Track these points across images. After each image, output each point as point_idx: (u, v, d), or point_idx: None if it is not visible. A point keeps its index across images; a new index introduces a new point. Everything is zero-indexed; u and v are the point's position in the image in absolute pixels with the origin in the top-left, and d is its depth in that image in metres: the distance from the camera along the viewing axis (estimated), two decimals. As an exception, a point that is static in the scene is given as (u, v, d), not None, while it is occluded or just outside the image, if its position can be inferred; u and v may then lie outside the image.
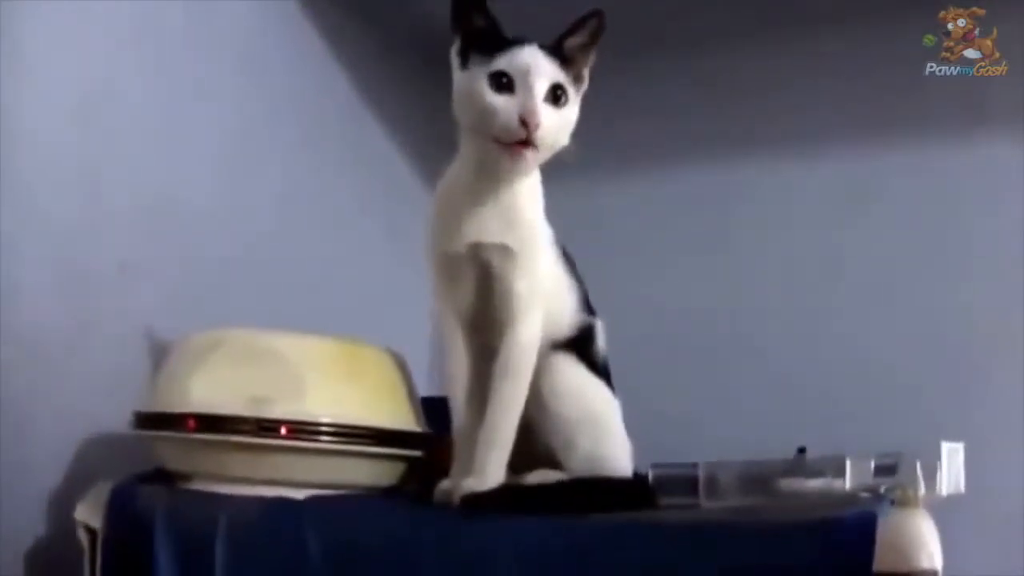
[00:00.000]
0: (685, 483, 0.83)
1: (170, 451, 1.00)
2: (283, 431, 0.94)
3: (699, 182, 1.58)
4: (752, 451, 0.83)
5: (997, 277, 1.37)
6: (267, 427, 0.94)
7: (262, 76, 1.40)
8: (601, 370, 1.01)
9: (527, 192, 0.94)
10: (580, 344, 1.00)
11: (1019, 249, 1.37)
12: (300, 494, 0.93)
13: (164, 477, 1.01)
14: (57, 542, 1.05)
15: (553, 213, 0.98)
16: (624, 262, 1.54)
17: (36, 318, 1.07)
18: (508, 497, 0.88)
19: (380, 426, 0.99)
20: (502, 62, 0.88)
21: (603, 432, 0.98)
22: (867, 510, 0.69)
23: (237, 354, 0.98)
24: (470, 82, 0.89)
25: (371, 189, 1.61)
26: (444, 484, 0.93)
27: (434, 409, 1.06)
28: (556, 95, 0.89)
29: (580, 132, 0.93)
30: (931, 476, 0.76)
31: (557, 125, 0.89)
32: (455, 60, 0.93)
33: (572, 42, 0.92)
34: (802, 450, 0.88)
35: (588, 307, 1.02)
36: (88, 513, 0.97)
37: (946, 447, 0.77)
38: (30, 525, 1.06)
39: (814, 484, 0.79)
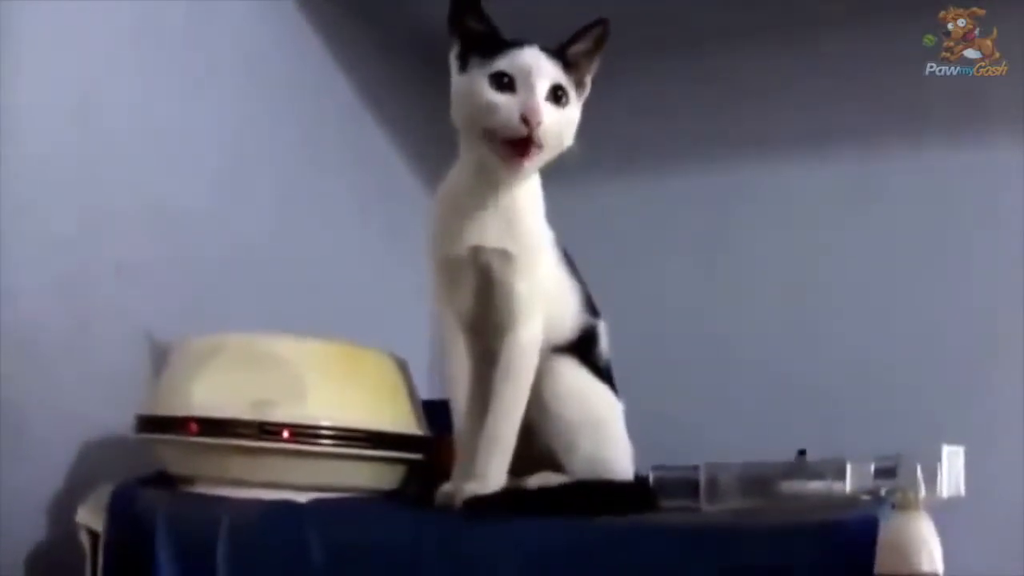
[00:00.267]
0: (686, 486, 0.83)
1: (172, 454, 1.00)
2: (285, 434, 0.94)
3: (699, 182, 1.58)
4: (752, 453, 0.84)
5: (997, 277, 1.37)
6: (268, 430, 0.94)
7: (261, 76, 1.40)
8: (603, 372, 1.01)
9: (527, 196, 0.94)
10: (582, 346, 0.99)
11: (1019, 249, 1.37)
12: (302, 497, 0.93)
13: (165, 480, 1.01)
14: (58, 545, 1.05)
15: (553, 214, 0.98)
16: (624, 262, 1.54)
17: (35, 319, 1.07)
18: (510, 500, 0.88)
19: (381, 429, 1.00)
20: (503, 63, 0.88)
21: (604, 435, 0.97)
22: (868, 513, 0.69)
23: (238, 358, 0.98)
24: (470, 84, 0.89)
25: (370, 190, 1.61)
26: (446, 487, 0.93)
27: (435, 412, 1.06)
28: (557, 95, 0.89)
29: (581, 132, 0.92)
30: (931, 479, 0.76)
31: (559, 124, 0.89)
32: (454, 64, 0.92)
33: (576, 49, 0.92)
34: (802, 452, 0.88)
35: (591, 309, 1.02)
36: (90, 516, 0.97)
37: (946, 450, 0.77)
38: (31, 528, 1.06)
39: (814, 487, 0.80)
